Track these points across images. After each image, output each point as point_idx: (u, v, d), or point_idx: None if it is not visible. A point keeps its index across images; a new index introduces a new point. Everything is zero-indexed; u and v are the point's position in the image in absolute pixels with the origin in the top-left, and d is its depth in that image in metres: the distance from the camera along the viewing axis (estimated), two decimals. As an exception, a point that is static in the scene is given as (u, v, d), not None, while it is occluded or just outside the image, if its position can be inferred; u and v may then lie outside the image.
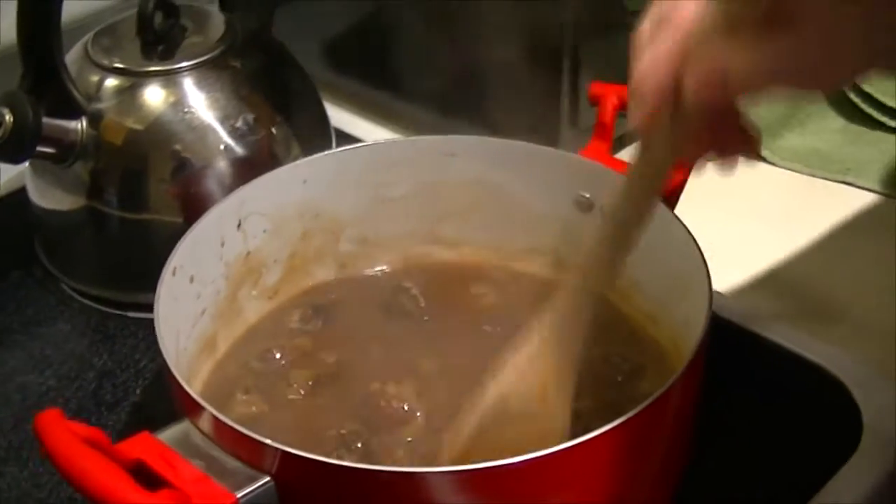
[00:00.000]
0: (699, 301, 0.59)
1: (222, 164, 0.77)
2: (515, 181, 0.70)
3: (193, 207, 0.76)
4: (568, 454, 0.52)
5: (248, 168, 0.76)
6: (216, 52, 0.77)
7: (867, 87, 0.89)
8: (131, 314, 0.77)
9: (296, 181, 0.69)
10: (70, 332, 0.76)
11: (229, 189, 0.76)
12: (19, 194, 0.82)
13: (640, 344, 0.68)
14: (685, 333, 0.63)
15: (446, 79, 0.87)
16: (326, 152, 0.70)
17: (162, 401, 0.71)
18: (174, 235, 0.76)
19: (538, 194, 0.70)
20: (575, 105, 0.83)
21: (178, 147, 0.76)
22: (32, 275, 0.80)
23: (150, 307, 0.75)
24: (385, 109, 0.92)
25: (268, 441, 0.52)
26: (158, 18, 0.77)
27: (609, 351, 0.67)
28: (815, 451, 0.67)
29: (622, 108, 0.70)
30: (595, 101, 0.71)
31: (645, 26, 0.50)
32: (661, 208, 0.65)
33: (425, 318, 0.70)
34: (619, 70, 0.81)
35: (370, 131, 0.90)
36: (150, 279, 0.77)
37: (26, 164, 0.79)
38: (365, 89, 0.92)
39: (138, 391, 0.71)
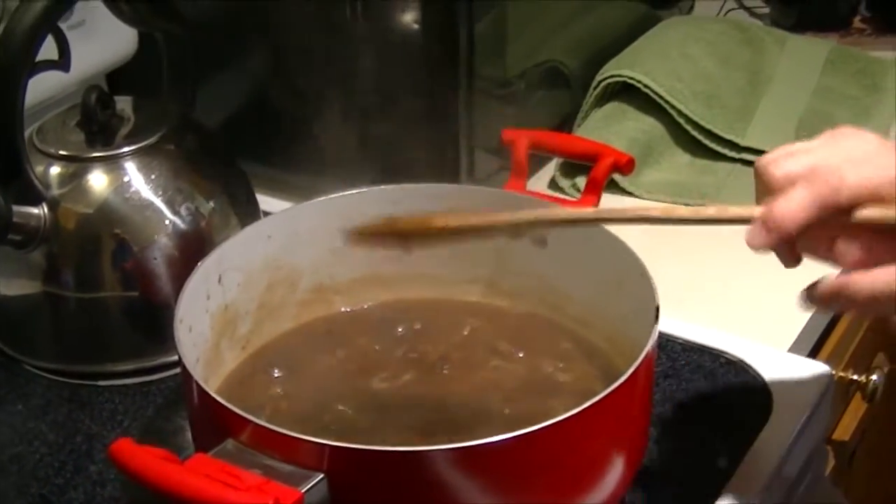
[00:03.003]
0: (640, 294, 0.70)
1: (167, 240, 0.83)
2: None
3: (147, 281, 0.84)
4: (552, 430, 0.61)
5: (193, 241, 0.84)
6: (154, 137, 0.84)
7: (706, 125, 1.03)
8: (102, 383, 0.82)
9: (262, 237, 0.77)
10: (47, 406, 0.81)
11: (178, 261, 0.83)
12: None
13: (574, 349, 0.78)
14: (623, 330, 0.74)
15: (346, 147, 0.97)
16: (287, 208, 0.78)
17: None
18: (131, 308, 0.84)
19: (469, 229, 0.80)
20: (471, 158, 0.94)
21: (126, 226, 0.82)
22: (-9, 361, 0.85)
23: (119, 374, 0.83)
24: (284, 184, 1.00)
25: (320, 440, 0.60)
26: (98, 109, 0.84)
27: (547, 360, 0.78)
28: (733, 424, 0.79)
29: (532, 149, 0.82)
30: (509, 144, 0.82)
31: (796, 167, 0.63)
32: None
33: (377, 346, 0.79)
34: (507, 122, 0.93)
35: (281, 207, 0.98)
36: (114, 350, 0.84)
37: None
38: (264, 169, 1.00)
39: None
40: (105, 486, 0.75)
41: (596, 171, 0.79)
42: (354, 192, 0.79)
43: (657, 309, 0.68)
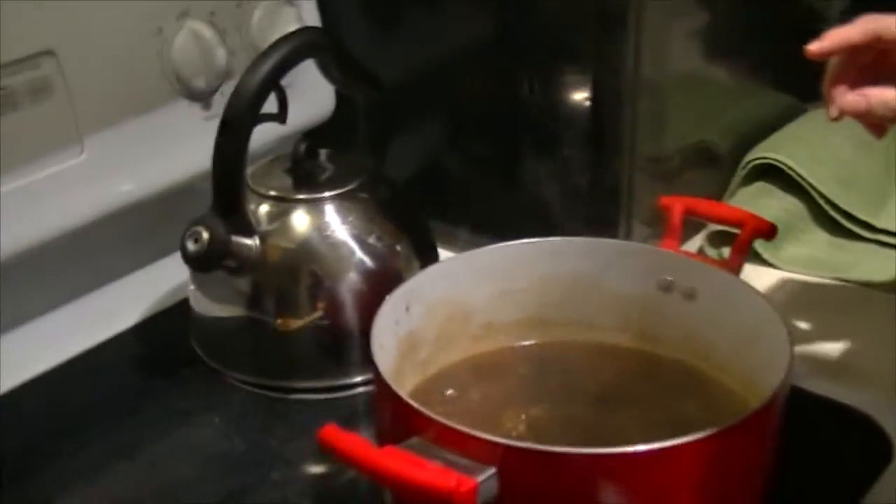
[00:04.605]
0: (776, 345, 0.80)
1: (356, 276, 0.95)
2: (607, 271, 0.90)
3: (336, 311, 0.95)
4: (687, 447, 0.71)
5: (379, 279, 0.95)
6: (352, 185, 0.97)
7: (844, 206, 1.13)
8: (292, 396, 0.94)
9: (445, 275, 0.89)
10: (245, 412, 0.93)
11: (365, 296, 0.94)
12: (178, 307, 1.03)
13: (712, 392, 0.88)
14: (759, 377, 0.83)
15: (512, 209, 1.09)
16: (465, 253, 0.90)
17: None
18: (321, 335, 0.96)
19: (625, 280, 0.90)
20: (628, 226, 1.06)
21: (322, 262, 0.95)
22: (197, 371, 0.98)
23: (307, 390, 0.95)
24: (454, 238, 1.12)
25: (496, 438, 0.71)
26: (306, 158, 0.98)
27: (689, 402, 0.88)
28: (850, 472, 0.87)
29: (687, 214, 0.93)
30: (665, 209, 0.93)
31: None
32: (730, 277, 0.88)
33: (537, 378, 0.90)
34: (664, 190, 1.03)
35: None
36: (304, 369, 0.96)
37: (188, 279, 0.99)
38: (439, 223, 1.11)
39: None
40: (295, 484, 0.86)
41: (742, 235, 0.91)
42: (525, 241, 0.91)
43: (791, 356, 0.78)
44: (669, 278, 0.89)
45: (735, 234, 0.94)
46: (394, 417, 0.77)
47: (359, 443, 0.71)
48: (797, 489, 0.84)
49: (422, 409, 0.74)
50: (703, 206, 0.95)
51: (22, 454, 0.89)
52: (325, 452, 0.72)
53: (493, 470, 0.70)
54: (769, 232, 0.91)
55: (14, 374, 0.97)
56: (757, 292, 0.85)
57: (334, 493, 0.87)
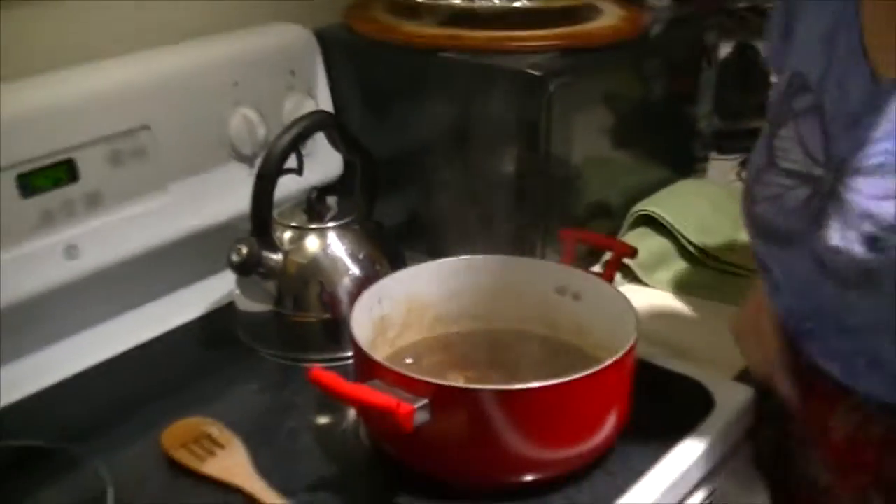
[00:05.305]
0: (631, 329, 0.90)
1: (349, 282, 1.05)
2: (520, 279, 1.00)
3: (335, 308, 1.05)
4: (566, 385, 0.82)
5: (365, 285, 0.99)
6: (348, 219, 1.08)
7: (700, 245, 1.22)
8: (302, 364, 1.03)
9: (408, 278, 0.99)
10: (271, 375, 1.03)
11: (355, 297, 1.01)
12: (227, 306, 1.12)
13: (591, 363, 0.97)
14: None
15: (464, 247, 1.18)
16: (423, 264, 1.00)
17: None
18: (325, 324, 1.05)
19: (533, 286, 1.00)
20: (544, 256, 1.15)
21: (326, 273, 1.05)
22: (240, 349, 1.07)
23: (314, 361, 1.03)
24: (417, 258, 1.21)
25: (429, 379, 0.81)
26: (316, 201, 1.09)
27: (573, 369, 0.97)
28: (686, 417, 0.96)
29: (577, 243, 1.03)
30: (563, 239, 1.04)
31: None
32: (604, 284, 0.98)
33: (471, 353, 1.00)
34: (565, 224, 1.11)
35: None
36: (311, 346, 1.05)
37: (234, 285, 1.09)
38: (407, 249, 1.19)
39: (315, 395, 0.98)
40: (302, 421, 0.96)
41: (613, 256, 1.01)
42: (464, 258, 1.01)
43: (635, 333, 0.88)
44: (563, 284, 0.99)
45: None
46: (363, 368, 0.87)
47: (335, 378, 0.81)
48: (650, 428, 0.93)
49: (380, 360, 0.84)
50: (588, 236, 1.06)
51: (120, 404, 1.00)
52: (314, 384, 0.82)
53: (426, 400, 0.80)
54: (631, 253, 1.01)
55: (113, 347, 1.07)
56: (621, 294, 0.95)
57: (330, 431, 0.97)
